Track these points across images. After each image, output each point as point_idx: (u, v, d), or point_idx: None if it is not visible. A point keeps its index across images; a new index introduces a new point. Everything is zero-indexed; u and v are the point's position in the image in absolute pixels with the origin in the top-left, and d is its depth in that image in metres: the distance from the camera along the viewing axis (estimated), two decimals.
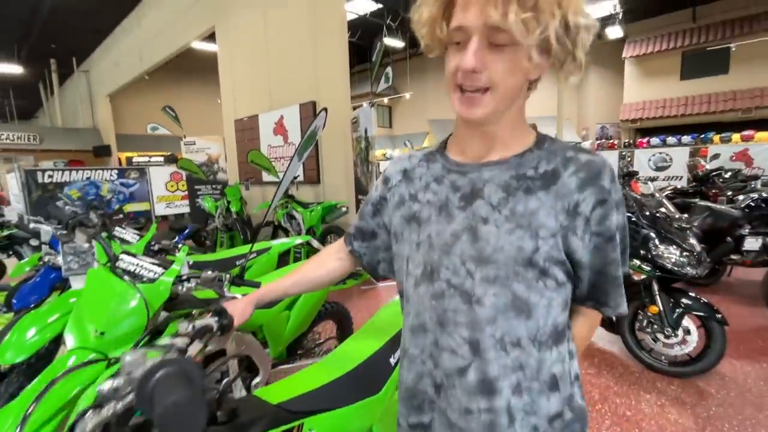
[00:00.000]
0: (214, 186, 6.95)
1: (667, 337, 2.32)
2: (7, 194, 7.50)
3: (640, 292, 2.43)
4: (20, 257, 4.80)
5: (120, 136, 13.27)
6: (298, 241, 3.08)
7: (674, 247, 2.35)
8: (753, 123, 12.40)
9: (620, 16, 14.21)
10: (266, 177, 5.97)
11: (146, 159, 14.90)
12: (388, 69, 8.44)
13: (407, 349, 0.71)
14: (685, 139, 9.22)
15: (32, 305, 2.41)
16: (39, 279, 2.55)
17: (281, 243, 2.71)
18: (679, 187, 6.16)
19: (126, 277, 1.19)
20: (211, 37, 7.28)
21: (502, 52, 0.55)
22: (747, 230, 3.38)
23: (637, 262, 2.39)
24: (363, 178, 4.76)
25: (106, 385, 0.55)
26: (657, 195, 2.61)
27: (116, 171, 8.04)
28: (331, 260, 0.88)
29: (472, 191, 0.64)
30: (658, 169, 9.50)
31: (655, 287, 2.36)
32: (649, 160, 9.65)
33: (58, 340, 1.69)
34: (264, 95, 6.00)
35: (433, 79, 18.65)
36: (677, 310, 2.30)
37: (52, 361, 1.33)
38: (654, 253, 2.34)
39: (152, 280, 1.21)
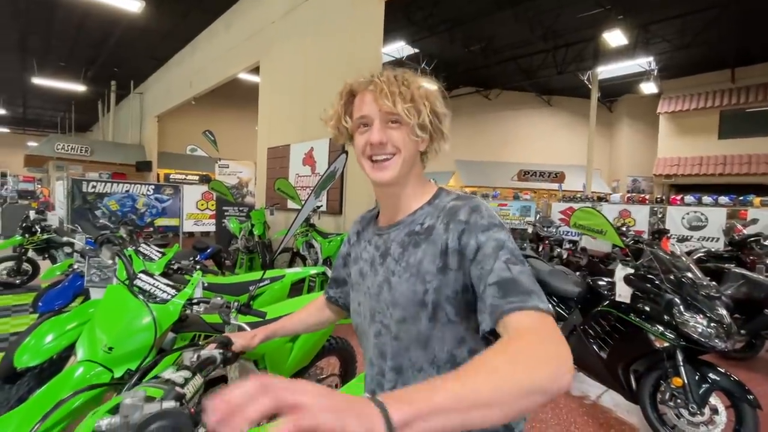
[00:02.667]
0: (240, 208, 7.19)
1: (692, 414, 2.14)
2: (54, 200, 8.02)
3: (663, 360, 2.28)
4: (54, 261, 5.07)
5: (161, 154, 14.11)
6: (313, 271, 3.11)
7: (701, 315, 2.22)
8: None
9: (655, 72, 14.25)
10: (291, 204, 6.14)
11: (182, 177, 15.70)
12: None
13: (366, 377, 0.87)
14: (723, 199, 8.83)
15: (56, 309, 2.52)
16: (66, 285, 2.68)
17: (295, 272, 2.75)
18: (713, 250, 5.83)
19: (140, 296, 1.24)
20: (255, 69, 7.81)
21: (397, 129, 0.75)
22: None
23: (659, 328, 2.26)
24: None
25: (104, 423, 0.58)
26: (684, 258, 2.49)
27: (153, 186, 8.50)
28: (327, 306, 1.05)
29: (385, 250, 0.81)
30: (692, 228, 9.08)
31: (680, 357, 2.21)
32: (683, 218, 9.25)
33: (71, 348, 1.76)
34: (297, 127, 6.30)
35: (463, 121, 19.02)
36: (704, 386, 2.13)
37: (62, 369, 1.38)
38: (678, 320, 2.21)
39: (164, 301, 1.26)
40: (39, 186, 14.13)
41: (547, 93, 18.33)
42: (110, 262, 1.51)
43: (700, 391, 2.13)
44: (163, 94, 12.60)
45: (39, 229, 4.81)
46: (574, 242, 7.40)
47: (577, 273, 3.16)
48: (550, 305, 0.64)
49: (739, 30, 11.03)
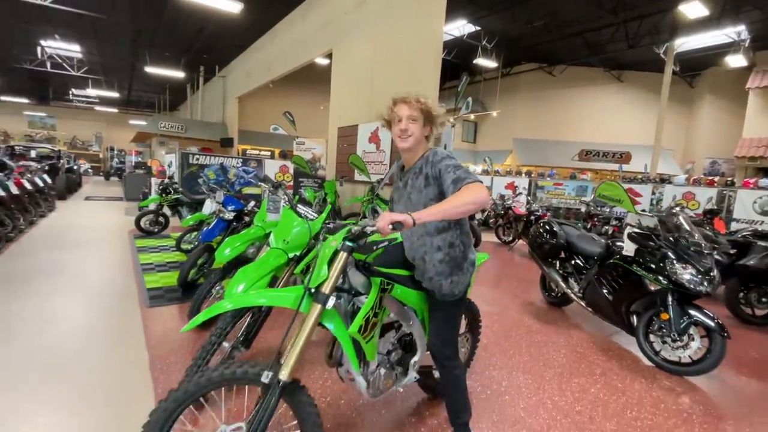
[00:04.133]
0: (315, 180, 8.34)
1: (674, 341, 2.77)
2: (166, 170, 9.81)
3: (656, 301, 2.90)
4: (180, 215, 6.57)
5: (241, 131, 15.92)
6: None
7: (690, 267, 2.79)
8: None
9: (746, 43, 12.95)
10: (357, 176, 7.13)
11: (257, 152, 17.55)
12: (469, 99, 9.11)
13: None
14: None
15: (212, 241, 3.71)
16: (213, 226, 3.85)
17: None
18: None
19: (300, 215, 2.21)
20: (327, 54, 8.76)
21: (413, 123, 1.53)
22: None
23: (655, 275, 2.87)
24: None
25: (355, 228, 1.43)
26: (687, 226, 2.99)
27: (241, 160, 9.99)
28: None
29: (404, 183, 1.64)
30: (764, 213, 8.69)
31: (670, 298, 2.81)
32: (755, 202, 8.86)
33: (241, 255, 2.83)
34: (365, 108, 7.19)
35: (523, 99, 18.67)
36: (684, 319, 2.74)
37: (246, 262, 2.43)
38: (669, 269, 2.81)
39: (312, 219, 2.22)
40: (148, 159, 16.69)
41: (617, 68, 17.33)
42: (280, 198, 2.50)
43: (682, 324, 2.74)
44: (244, 77, 14.14)
45: (172, 191, 6.28)
46: (620, 219, 7.64)
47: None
48: (477, 178, 1.43)
49: None
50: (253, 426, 1.23)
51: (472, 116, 19.79)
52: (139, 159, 16.82)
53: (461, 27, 13.94)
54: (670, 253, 2.85)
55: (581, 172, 12.24)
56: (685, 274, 2.76)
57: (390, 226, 1.23)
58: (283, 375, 1.25)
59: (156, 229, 6.60)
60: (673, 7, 10.54)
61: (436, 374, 2.14)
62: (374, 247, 1.69)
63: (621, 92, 17.90)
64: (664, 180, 10.71)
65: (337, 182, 7.23)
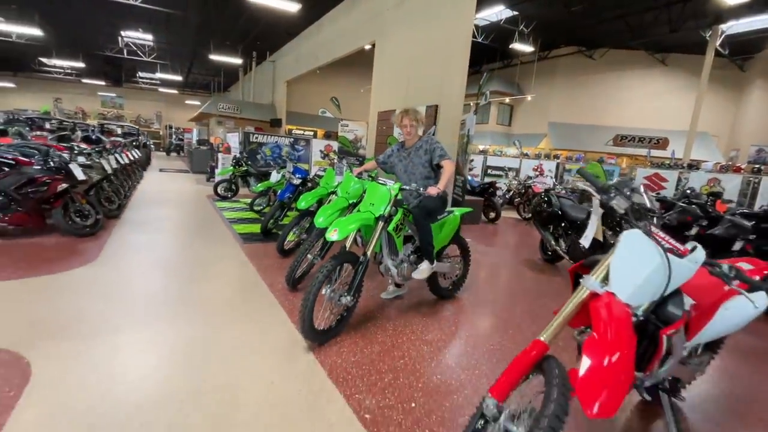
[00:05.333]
0: (357, 158, 9.54)
1: None
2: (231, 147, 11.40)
3: None
4: (248, 184, 8.03)
5: (289, 113, 17.38)
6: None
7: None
8: None
9: None
10: None
11: (301, 132, 19.03)
12: (487, 91, 9.83)
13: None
14: None
15: (284, 199, 5.02)
16: (285, 189, 5.15)
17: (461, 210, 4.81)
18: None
19: (381, 182, 3.40)
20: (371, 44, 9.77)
21: (412, 127, 3.10)
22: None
23: (612, 231, 3.82)
24: (461, 162, 6.61)
25: (411, 187, 2.65)
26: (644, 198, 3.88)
27: (292, 139, 11.38)
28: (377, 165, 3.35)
29: (407, 154, 3.20)
30: None
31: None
32: None
33: (317, 203, 4.07)
34: (402, 95, 8.21)
35: (560, 82, 18.72)
36: None
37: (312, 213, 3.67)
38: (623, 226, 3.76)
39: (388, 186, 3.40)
40: (205, 136, 18.62)
41: (661, 51, 16.96)
42: (343, 166, 3.66)
43: None
44: (293, 62, 15.43)
45: (243, 164, 7.71)
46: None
47: None
48: (450, 155, 2.78)
49: None
50: (353, 288, 2.48)
51: (507, 99, 20.09)
52: (198, 137, 18.79)
53: (499, 12, 14.33)
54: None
55: (608, 156, 12.61)
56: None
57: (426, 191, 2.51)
58: (366, 256, 2.50)
59: (229, 195, 8.11)
60: None
61: (441, 283, 3.31)
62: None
63: (664, 76, 17.54)
64: (691, 166, 10.92)
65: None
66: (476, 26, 15.36)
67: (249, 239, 4.94)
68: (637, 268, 1.34)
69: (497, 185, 8.65)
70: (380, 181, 2.85)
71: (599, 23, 14.48)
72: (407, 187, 2.81)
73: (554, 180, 10.63)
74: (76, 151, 4.95)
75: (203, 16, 12.94)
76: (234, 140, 11.04)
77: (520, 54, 17.47)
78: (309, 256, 3.35)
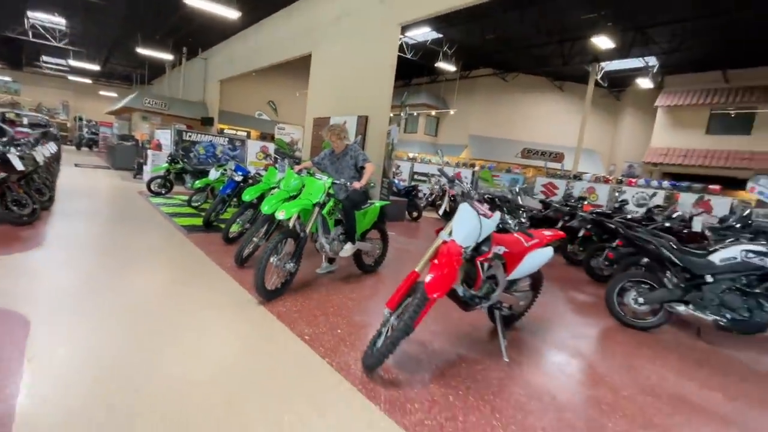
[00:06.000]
0: (294, 159, 10.09)
1: None
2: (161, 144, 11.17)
3: None
4: (183, 182, 8.19)
5: (223, 112, 17.16)
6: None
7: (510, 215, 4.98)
8: None
9: (654, 69, 15.81)
10: None
11: (234, 132, 18.82)
12: (407, 108, 11.12)
13: None
14: (665, 184, 11.14)
15: (225, 195, 5.53)
16: (227, 185, 5.65)
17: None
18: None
19: (317, 176, 4.12)
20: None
21: (339, 140, 4.01)
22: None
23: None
24: (386, 167, 7.61)
25: (340, 182, 3.41)
26: (517, 198, 5.19)
27: (227, 139, 11.54)
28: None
29: (336, 159, 4.11)
30: (639, 205, 11.42)
31: None
32: (633, 196, 11.58)
33: (258, 198, 4.70)
34: (335, 104, 9.02)
35: (479, 100, 20.99)
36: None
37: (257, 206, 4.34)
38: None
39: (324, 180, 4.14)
40: (125, 131, 17.49)
41: (559, 79, 19.98)
42: (285, 164, 4.37)
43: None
44: (227, 62, 15.40)
45: (180, 161, 7.89)
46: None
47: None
48: (371, 159, 3.72)
49: (730, 35, 12.52)
50: (295, 257, 3.22)
51: (433, 112, 21.92)
52: (119, 131, 17.61)
53: (426, 33, 15.86)
54: (504, 208, 5.03)
55: (515, 167, 14.70)
56: (507, 218, 4.94)
57: (351, 184, 3.30)
58: (305, 233, 3.26)
59: (163, 191, 8.18)
60: (592, 36, 13.00)
61: (365, 260, 4.20)
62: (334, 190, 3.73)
63: (562, 100, 20.64)
64: (576, 177, 13.32)
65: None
66: (406, 44, 16.76)
67: (192, 230, 5.36)
68: (465, 224, 2.33)
69: (420, 189, 9.84)
70: (317, 177, 3.64)
71: (510, 51, 16.74)
72: (338, 182, 3.63)
73: (470, 185, 12.22)
74: (14, 142, 4.95)
75: (131, 8, 12.47)
76: (166, 137, 10.90)
77: (445, 72, 19.31)
78: (255, 239, 4.01)
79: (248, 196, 4.55)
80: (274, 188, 4.68)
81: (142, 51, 14.39)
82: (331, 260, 4.23)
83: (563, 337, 3.23)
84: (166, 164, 8.07)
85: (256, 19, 12.80)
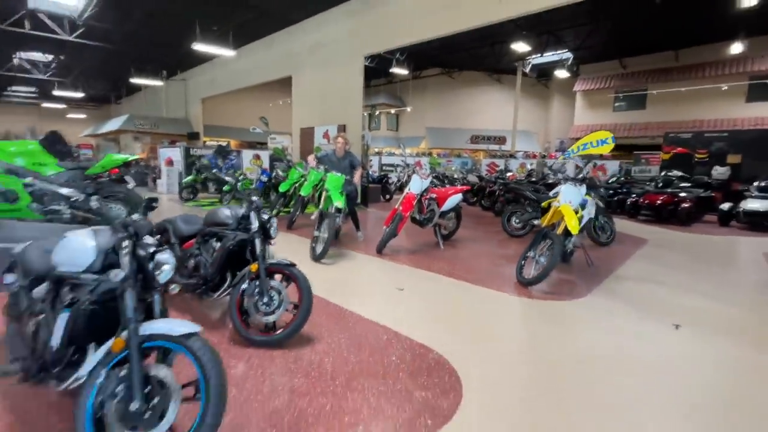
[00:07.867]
0: (286, 162, 12.55)
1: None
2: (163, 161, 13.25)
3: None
4: (207, 189, 10.52)
5: (207, 126, 19.10)
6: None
7: (457, 182, 7.88)
8: (658, 146, 17.41)
9: (569, 61, 19.32)
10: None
11: (215, 143, 20.77)
12: (377, 112, 13.79)
13: None
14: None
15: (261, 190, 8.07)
16: (256, 185, 8.18)
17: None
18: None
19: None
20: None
21: (345, 144, 6.25)
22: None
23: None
24: (364, 162, 10.34)
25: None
26: (455, 174, 8.05)
27: (231, 152, 13.80)
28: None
29: (338, 160, 6.20)
30: (555, 172, 14.78)
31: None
32: (551, 166, 14.92)
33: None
34: (318, 115, 11.57)
35: (431, 96, 23.99)
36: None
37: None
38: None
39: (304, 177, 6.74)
40: (113, 153, 19.00)
41: (497, 73, 23.31)
42: (314, 165, 7.01)
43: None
44: (208, 83, 17.36)
45: (204, 171, 10.22)
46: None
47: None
48: (362, 164, 6.62)
49: (621, 31, 15.97)
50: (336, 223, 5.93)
51: (393, 110, 24.72)
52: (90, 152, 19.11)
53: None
54: (446, 181, 7.93)
55: (464, 152, 17.80)
56: (435, 181, 7.82)
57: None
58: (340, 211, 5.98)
59: (191, 197, 10.47)
60: (512, 42, 16.13)
61: (359, 235, 6.97)
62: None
63: (501, 91, 24.00)
64: (511, 155, 16.58)
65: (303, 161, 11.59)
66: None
67: None
68: (416, 183, 5.13)
69: (389, 177, 12.62)
70: (335, 174, 6.32)
71: (453, 53, 19.75)
72: (348, 177, 6.32)
73: (429, 170, 15.13)
74: None
75: (130, 46, 14.28)
76: (175, 154, 13.03)
77: (399, 74, 22.12)
78: (297, 213, 6.64)
79: (283, 188, 7.14)
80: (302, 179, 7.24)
81: (135, 81, 16.12)
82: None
83: (476, 239, 6.14)
84: (193, 176, 10.36)
85: (237, 47, 14.96)
